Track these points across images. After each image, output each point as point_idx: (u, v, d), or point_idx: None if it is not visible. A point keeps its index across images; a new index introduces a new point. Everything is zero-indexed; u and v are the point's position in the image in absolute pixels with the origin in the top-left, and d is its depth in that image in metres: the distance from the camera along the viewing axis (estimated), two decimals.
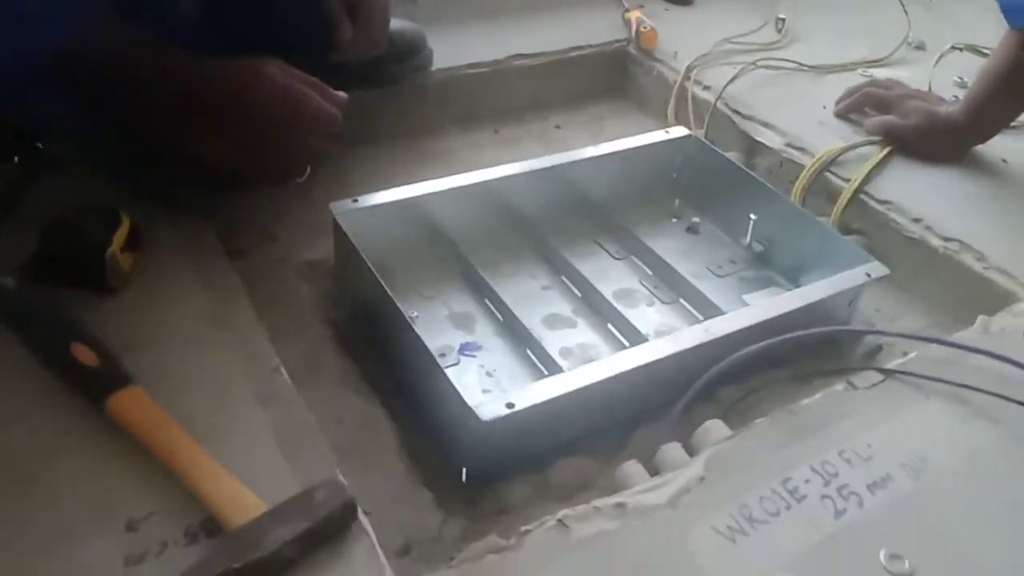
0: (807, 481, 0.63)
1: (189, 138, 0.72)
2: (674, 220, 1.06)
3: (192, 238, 0.79)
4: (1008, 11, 0.97)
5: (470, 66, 1.16)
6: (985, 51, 1.28)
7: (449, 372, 0.79)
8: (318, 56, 0.85)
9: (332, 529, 0.55)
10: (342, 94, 0.78)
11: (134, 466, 0.58)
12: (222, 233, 0.83)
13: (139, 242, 0.74)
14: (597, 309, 0.90)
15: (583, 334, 0.88)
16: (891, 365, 0.74)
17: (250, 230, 0.92)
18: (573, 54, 1.25)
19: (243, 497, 0.55)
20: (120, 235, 0.71)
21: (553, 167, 0.98)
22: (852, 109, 1.13)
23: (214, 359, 0.67)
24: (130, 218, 0.73)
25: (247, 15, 0.80)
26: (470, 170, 0.94)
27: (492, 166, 0.95)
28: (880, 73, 1.25)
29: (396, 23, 1.00)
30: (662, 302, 0.93)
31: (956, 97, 1.19)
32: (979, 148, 1.08)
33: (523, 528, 0.58)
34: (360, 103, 0.89)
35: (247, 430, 0.61)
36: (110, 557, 0.53)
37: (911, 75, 1.24)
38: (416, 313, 0.85)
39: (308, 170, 0.79)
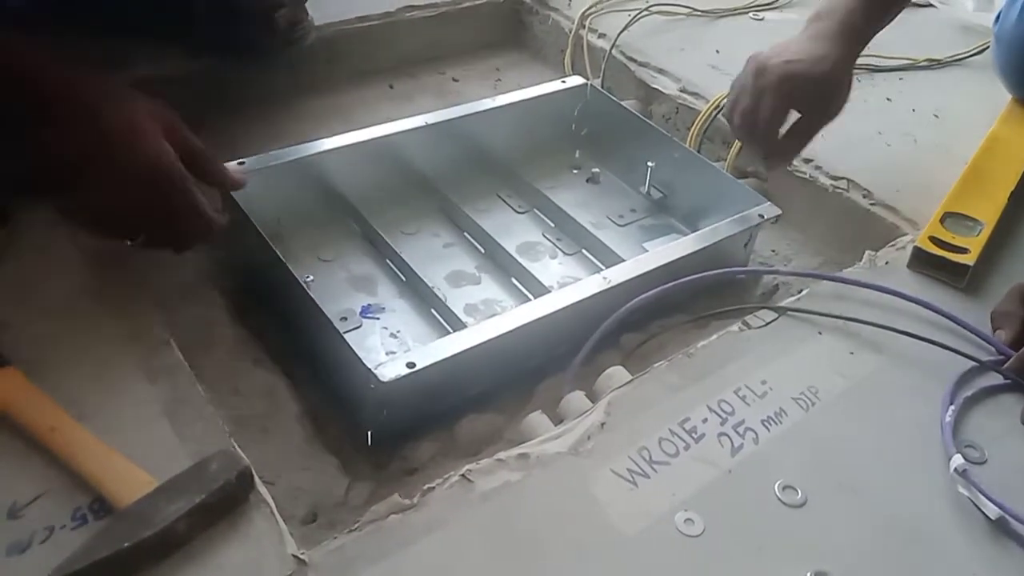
0: (704, 420, 0.64)
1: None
2: (575, 171, 1.06)
3: None
4: None
5: (360, 19, 1.12)
6: None
7: (351, 335, 0.78)
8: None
9: (228, 501, 0.54)
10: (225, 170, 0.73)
11: (15, 451, 0.56)
12: None
13: (5, 218, 0.69)
14: (501, 264, 0.90)
15: (487, 290, 0.88)
16: (784, 303, 0.76)
17: None
18: (466, 4, 1.22)
19: (132, 474, 0.53)
20: None
21: (451, 121, 0.96)
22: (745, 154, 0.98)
23: (97, 335, 0.64)
24: None
25: None
26: (365, 127, 0.92)
27: (388, 122, 0.93)
28: (771, 16, 1.27)
29: None
30: (565, 254, 0.93)
31: None
32: (865, 89, 1.11)
33: (426, 486, 0.57)
34: None
35: (134, 406, 0.59)
36: None
37: (800, 17, 1.26)
38: (311, 277, 0.82)
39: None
